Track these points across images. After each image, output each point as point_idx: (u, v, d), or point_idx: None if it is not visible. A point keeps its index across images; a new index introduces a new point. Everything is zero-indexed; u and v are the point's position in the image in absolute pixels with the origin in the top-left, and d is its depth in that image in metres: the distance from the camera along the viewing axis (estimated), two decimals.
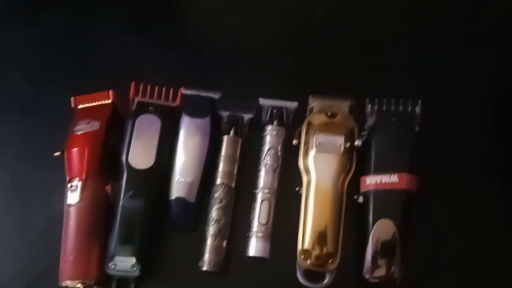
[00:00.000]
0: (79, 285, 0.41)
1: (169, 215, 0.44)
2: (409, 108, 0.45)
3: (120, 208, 0.43)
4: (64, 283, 0.41)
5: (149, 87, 0.47)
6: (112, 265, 0.41)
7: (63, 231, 0.42)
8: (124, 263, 0.41)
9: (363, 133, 0.45)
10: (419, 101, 0.44)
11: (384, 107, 0.45)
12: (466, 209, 0.45)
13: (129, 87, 0.47)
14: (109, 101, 0.47)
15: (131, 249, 0.42)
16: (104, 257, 0.42)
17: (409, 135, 0.43)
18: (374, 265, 0.40)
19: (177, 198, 0.44)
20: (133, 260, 0.41)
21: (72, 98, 0.48)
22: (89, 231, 0.42)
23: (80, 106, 0.47)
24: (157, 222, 0.44)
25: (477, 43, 0.52)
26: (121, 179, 0.44)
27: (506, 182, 0.46)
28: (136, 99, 0.47)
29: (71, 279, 0.41)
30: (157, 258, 0.44)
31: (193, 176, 0.45)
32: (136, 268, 0.41)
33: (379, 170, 0.42)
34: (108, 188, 0.44)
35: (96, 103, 0.47)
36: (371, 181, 0.42)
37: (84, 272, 0.41)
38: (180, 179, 0.45)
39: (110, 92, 0.47)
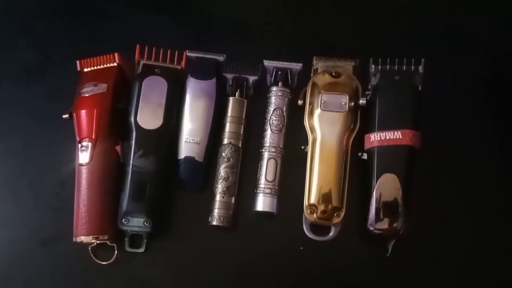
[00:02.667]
0: (93, 240, 0.42)
1: (179, 173, 0.45)
2: (412, 68, 0.45)
3: (130, 167, 0.44)
4: (78, 239, 0.42)
5: (154, 49, 0.47)
6: (125, 221, 0.43)
7: (76, 189, 0.43)
8: (137, 219, 0.43)
9: (367, 92, 0.46)
10: (422, 60, 0.45)
11: (388, 67, 0.46)
12: (466, 165, 0.47)
13: (134, 53, 0.47)
14: (115, 63, 0.47)
15: (143, 206, 0.43)
16: (117, 214, 0.43)
17: (413, 94, 0.44)
18: (378, 217, 0.42)
19: (186, 158, 0.45)
20: (145, 216, 0.43)
21: (78, 62, 0.48)
22: (100, 188, 0.43)
23: (86, 69, 0.48)
24: (167, 181, 0.45)
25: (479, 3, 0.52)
26: (131, 139, 0.44)
27: (505, 139, 0.47)
28: (142, 62, 0.47)
29: (85, 234, 0.42)
30: (168, 215, 0.45)
31: (201, 136, 0.46)
32: (148, 223, 0.43)
33: (383, 127, 0.43)
34: (118, 148, 0.45)
35: (102, 66, 0.47)
36: (375, 137, 0.43)
37: (98, 228, 0.42)
38: (188, 139, 0.45)
39: (116, 54, 0.47)
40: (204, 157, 0.46)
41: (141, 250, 0.44)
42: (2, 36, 0.52)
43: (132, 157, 0.44)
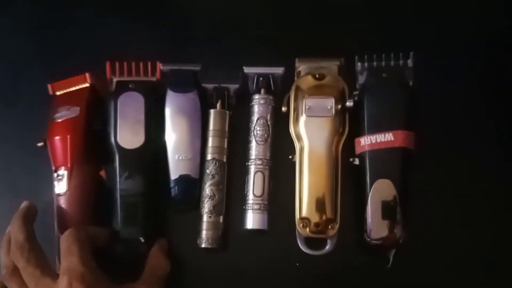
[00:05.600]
0: None
1: (176, 193, 0.43)
2: (401, 62, 0.42)
3: (118, 190, 0.41)
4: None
5: (125, 64, 0.45)
6: (121, 248, 0.41)
7: (55, 220, 0.41)
8: (132, 243, 0.41)
9: (354, 92, 0.43)
10: (411, 54, 0.42)
11: (375, 63, 0.43)
12: (465, 165, 0.43)
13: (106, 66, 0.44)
14: (87, 84, 0.45)
15: (137, 230, 0.41)
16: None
17: (403, 90, 0.41)
18: (375, 227, 0.39)
19: (182, 176, 0.43)
20: (140, 239, 0.41)
21: (49, 85, 0.45)
22: (80, 219, 0.41)
23: (58, 93, 0.45)
24: (157, 201, 0.43)
25: None
26: (114, 161, 0.42)
27: (502, 135, 0.44)
28: (115, 79, 0.45)
29: None
30: (154, 237, 0.43)
31: (193, 153, 0.43)
32: (143, 247, 0.41)
33: (373, 130, 0.41)
34: (102, 173, 0.43)
35: (74, 88, 0.45)
36: (365, 141, 0.41)
37: None
38: (180, 157, 0.43)
39: (87, 75, 0.45)
40: (199, 174, 0.43)
41: None
42: None
43: (118, 180, 0.42)
